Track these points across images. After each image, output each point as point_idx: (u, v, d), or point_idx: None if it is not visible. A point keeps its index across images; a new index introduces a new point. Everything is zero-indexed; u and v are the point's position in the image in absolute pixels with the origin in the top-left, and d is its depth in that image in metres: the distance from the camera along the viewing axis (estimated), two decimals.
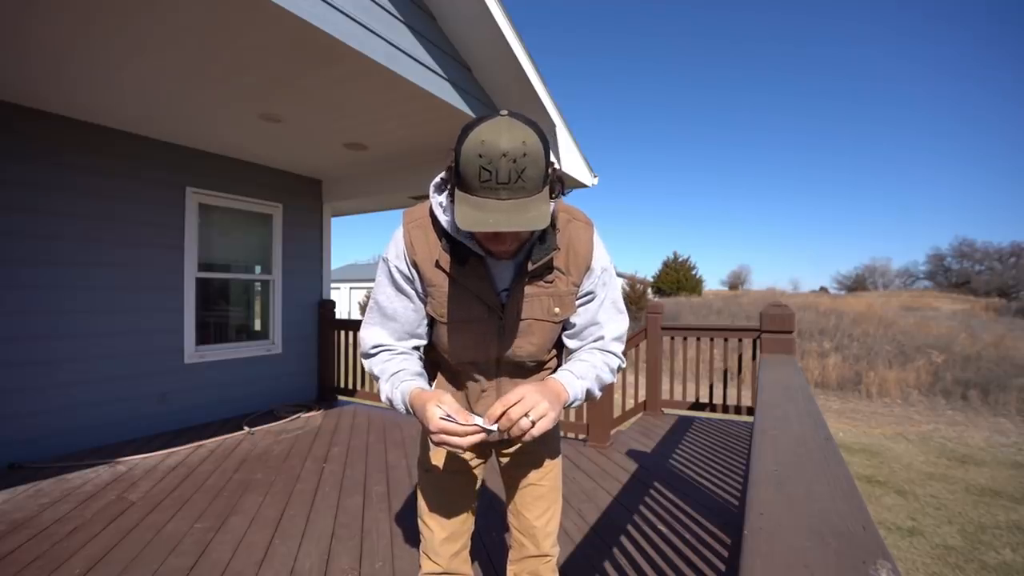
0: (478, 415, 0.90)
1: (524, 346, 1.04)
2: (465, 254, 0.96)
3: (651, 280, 27.55)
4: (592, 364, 1.04)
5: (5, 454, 3.01)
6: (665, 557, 2.04)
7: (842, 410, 8.25)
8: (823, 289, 43.23)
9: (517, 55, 3.13)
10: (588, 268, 1.03)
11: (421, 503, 1.19)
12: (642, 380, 4.62)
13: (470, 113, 3.20)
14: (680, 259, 28.34)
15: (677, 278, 27.27)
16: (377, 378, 1.04)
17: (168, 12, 2.10)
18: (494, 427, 0.86)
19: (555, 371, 1.07)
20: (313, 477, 2.93)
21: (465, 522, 1.19)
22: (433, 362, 1.18)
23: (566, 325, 1.09)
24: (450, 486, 1.18)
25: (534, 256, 0.96)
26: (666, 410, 4.64)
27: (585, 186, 4.47)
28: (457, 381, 1.13)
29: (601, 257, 1.06)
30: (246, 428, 3.85)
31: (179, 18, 2.15)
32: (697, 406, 4.45)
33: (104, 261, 3.47)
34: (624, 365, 1.11)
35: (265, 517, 2.39)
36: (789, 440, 1.01)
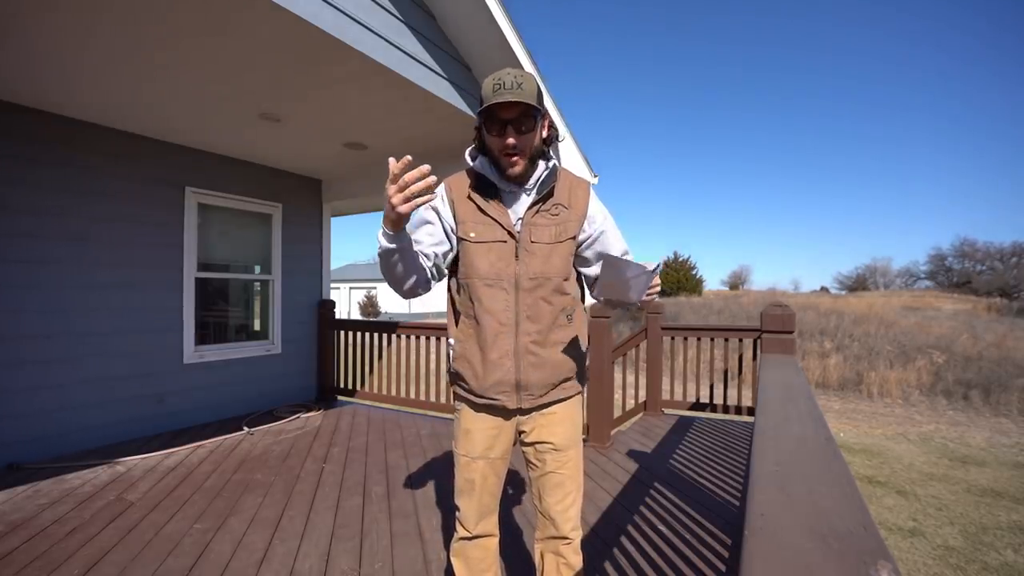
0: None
1: (535, 264, 1.26)
2: (489, 190, 1.28)
3: None
4: None
5: (4, 454, 3.01)
6: (665, 557, 2.04)
7: (843, 410, 8.23)
8: (824, 289, 43.23)
9: (518, 56, 3.12)
10: (587, 204, 1.33)
11: (457, 482, 1.39)
12: (642, 380, 4.61)
13: (470, 113, 3.19)
14: (680, 259, 28.27)
15: (677, 278, 27.20)
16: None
17: (167, 11, 2.10)
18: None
19: (572, 311, 1.32)
20: (313, 477, 2.93)
21: (492, 496, 1.38)
22: (455, 311, 1.35)
23: (585, 261, 1.37)
24: (482, 468, 1.36)
25: (539, 189, 1.27)
26: (666, 410, 4.64)
27: None
28: (478, 323, 1.27)
29: (597, 201, 1.37)
30: (245, 428, 3.85)
31: (178, 17, 2.15)
32: (697, 406, 4.43)
33: (103, 260, 3.47)
34: None
35: (265, 517, 2.39)
36: (790, 440, 1.00)
